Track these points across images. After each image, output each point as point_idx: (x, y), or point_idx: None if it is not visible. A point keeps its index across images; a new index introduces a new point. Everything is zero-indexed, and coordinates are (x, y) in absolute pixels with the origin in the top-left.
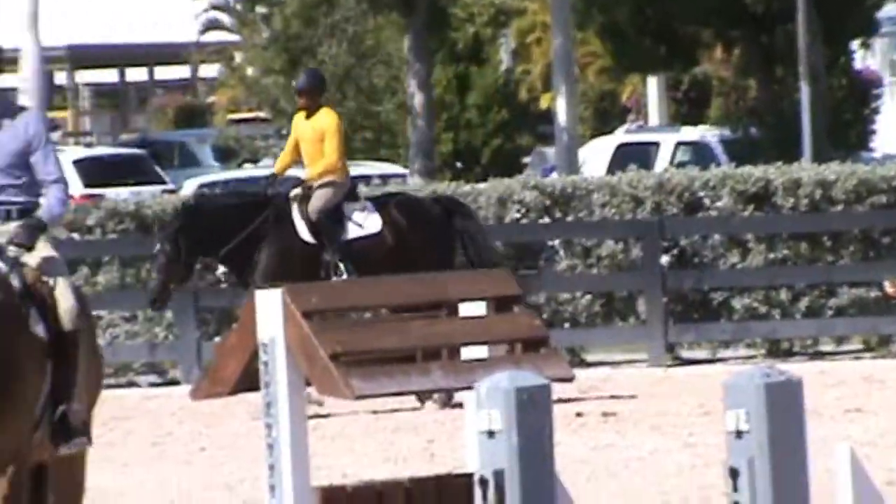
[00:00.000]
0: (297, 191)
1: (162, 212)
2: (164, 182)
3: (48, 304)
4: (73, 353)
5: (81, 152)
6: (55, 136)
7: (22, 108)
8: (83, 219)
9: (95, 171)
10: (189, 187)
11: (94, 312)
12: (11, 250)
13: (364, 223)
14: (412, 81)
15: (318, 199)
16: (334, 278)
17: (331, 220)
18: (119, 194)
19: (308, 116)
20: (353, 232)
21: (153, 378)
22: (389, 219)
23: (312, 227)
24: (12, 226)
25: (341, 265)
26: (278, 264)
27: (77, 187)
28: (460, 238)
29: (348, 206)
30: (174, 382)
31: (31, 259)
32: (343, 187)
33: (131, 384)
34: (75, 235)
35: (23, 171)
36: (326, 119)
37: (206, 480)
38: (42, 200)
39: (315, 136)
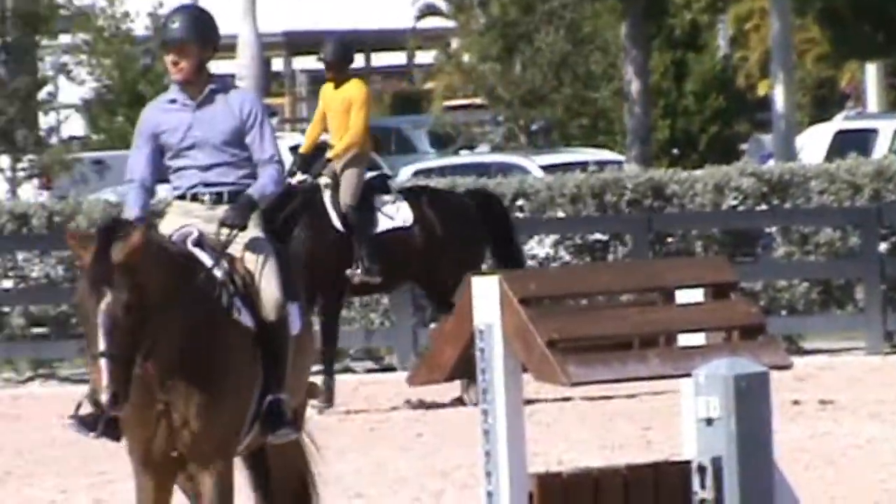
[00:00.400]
0: (326, 179)
1: None
2: (380, 168)
3: (252, 294)
4: (279, 342)
5: (298, 139)
6: (272, 122)
7: (240, 89)
8: None
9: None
10: (405, 174)
11: None
12: (223, 232)
13: (395, 216)
14: (629, 68)
15: (347, 190)
16: (348, 271)
17: (361, 213)
18: None
19: (336, 87)
20: (383, 224)
21: (369, 364)
22: (420, 213)
23: (344, 217)
24: (221, 209)
25: (366, 259)
26: (311, 254)
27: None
28: (491, 235)
29: (379, 198)
30: (390, 368)
31: (238, 244)
32: (365, 162)
33: (347, 370)
34: None
35: (236, 149)
36: (354, 90)
37: (422, 466)
38: (256, 180)
39: (342, 107)
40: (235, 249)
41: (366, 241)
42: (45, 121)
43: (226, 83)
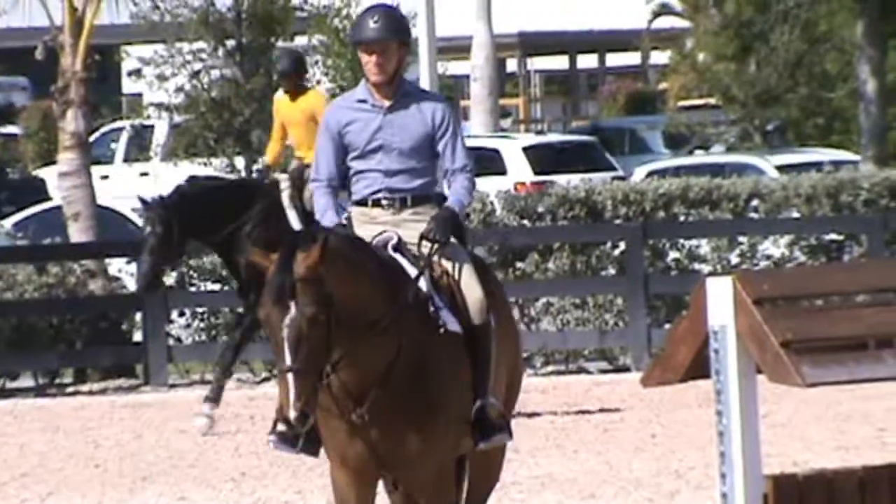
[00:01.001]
0: (286, 182)
1: (612, 199)
2: (614, 169)
3: (456, 298)
4: (485, 346)
5: (532, 139)
6: (506, 123)
7: (432, 96)
8: (534, 206)
9: (545, 158)
10: (639, 174)
11: (545, 299)
12: (425, 245)
13: None
14: (865, 67)
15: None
16: None
17: None
18: (569, 181)
19: (293, 99)
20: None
21: (603, 365)
22: None
23: (305, 217)
24: (405, 214)
25: None
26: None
27: (527, 174)
28: None
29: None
30: (624, 369)
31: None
32: None
33: (581, 370)
34: (525, 222)
35: (423, 156)
36: (316, 100)
37: (656, 467)
38: (447, 189)
39: (304, 118)
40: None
41: None
42: None
43: (416, 87)
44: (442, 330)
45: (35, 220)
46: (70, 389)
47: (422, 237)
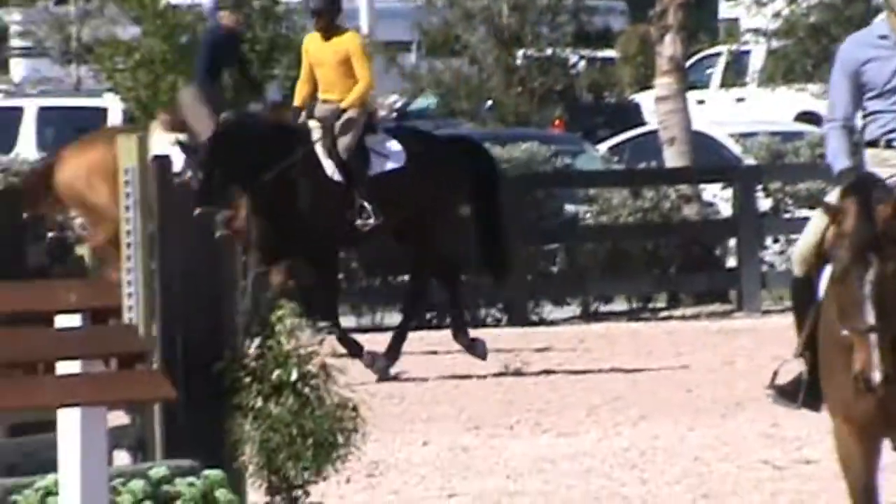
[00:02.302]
0: (316, 126)
1: None
2: None
3: None
4: None
5: None
6: None
7: None
8: None
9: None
10: None
11: None
12: None
13: (390, 156)
14: None
15: (346, 135)
16: (359, 221)
17: (357, 157)
18: None
19: (325, 39)
20: (378, 166)
21: None
22: (411, 153)
23: (341, 165)
24: None
25: (367, 205)
26: (311, 207)
27: None
28: (475, 181)
29: (370, 138)
30: None
31: None
32: (365, 115)
33: None
34: None
35: None
36: (351, 42)
37: None
38: None
39: (337, 59)
40: None
41: (364, 185)
42: None
43: None
44: None
45: (630, 144)
46: (663, 314)
47: None
